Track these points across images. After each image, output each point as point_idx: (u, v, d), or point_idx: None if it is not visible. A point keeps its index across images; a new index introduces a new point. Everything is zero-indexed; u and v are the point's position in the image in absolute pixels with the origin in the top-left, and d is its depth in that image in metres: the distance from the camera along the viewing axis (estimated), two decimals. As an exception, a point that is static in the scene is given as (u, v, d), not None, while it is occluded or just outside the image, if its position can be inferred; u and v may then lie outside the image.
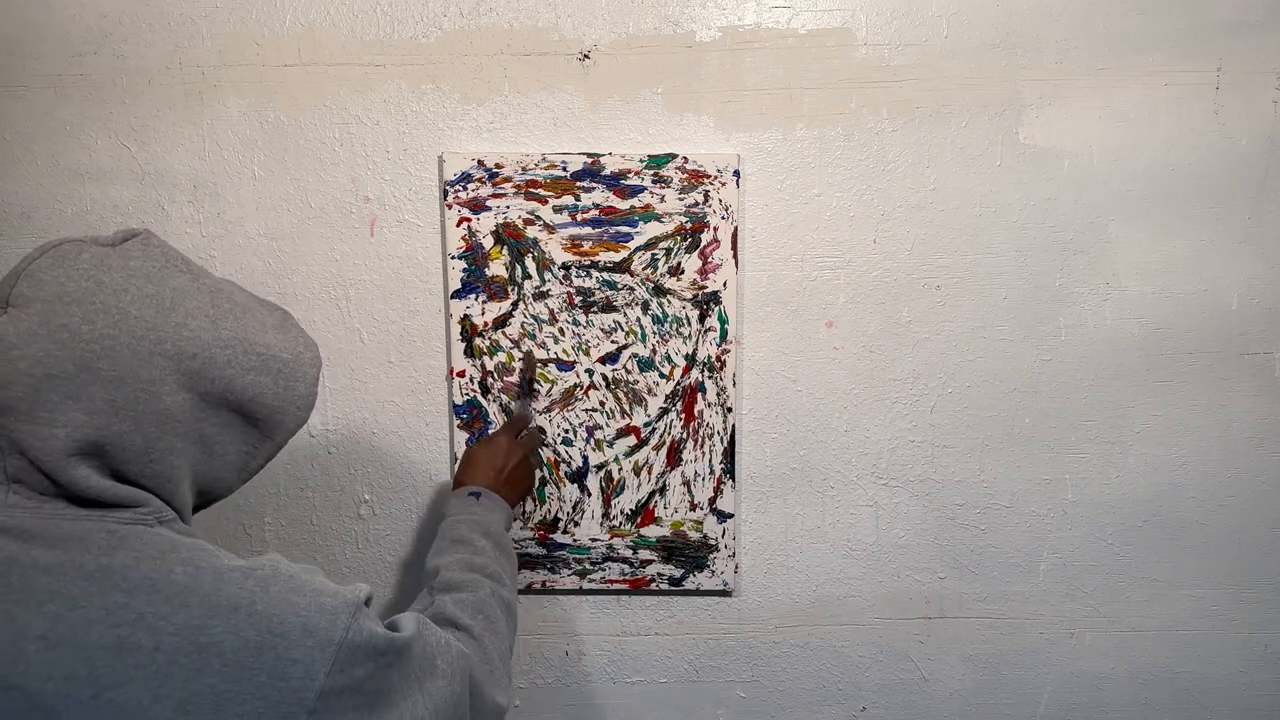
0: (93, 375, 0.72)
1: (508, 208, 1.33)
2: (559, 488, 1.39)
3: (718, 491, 1.38)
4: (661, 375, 1.36)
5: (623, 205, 1.33)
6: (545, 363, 1.36)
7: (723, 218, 1.33)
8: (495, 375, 1.36)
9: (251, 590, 0.73)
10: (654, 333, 1.35)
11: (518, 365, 1.35)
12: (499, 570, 1.10)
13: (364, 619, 0.76)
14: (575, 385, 1.36)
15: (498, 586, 1.08)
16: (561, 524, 1.39)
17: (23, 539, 0.72)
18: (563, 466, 1.38)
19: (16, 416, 0.72)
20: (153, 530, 0.76)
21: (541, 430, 1.36)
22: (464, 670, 0.90)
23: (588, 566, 1.40)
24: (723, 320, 1.35)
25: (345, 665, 0.74)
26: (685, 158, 1.31)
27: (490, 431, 1.36)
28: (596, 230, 1.33)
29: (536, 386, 1.35)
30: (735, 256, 1.33)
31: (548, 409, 1.37)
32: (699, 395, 1.37)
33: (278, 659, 0.71)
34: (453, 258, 1.34)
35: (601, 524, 1.39)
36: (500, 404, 1.37)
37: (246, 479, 0.87)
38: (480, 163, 1.32)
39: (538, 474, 1.37)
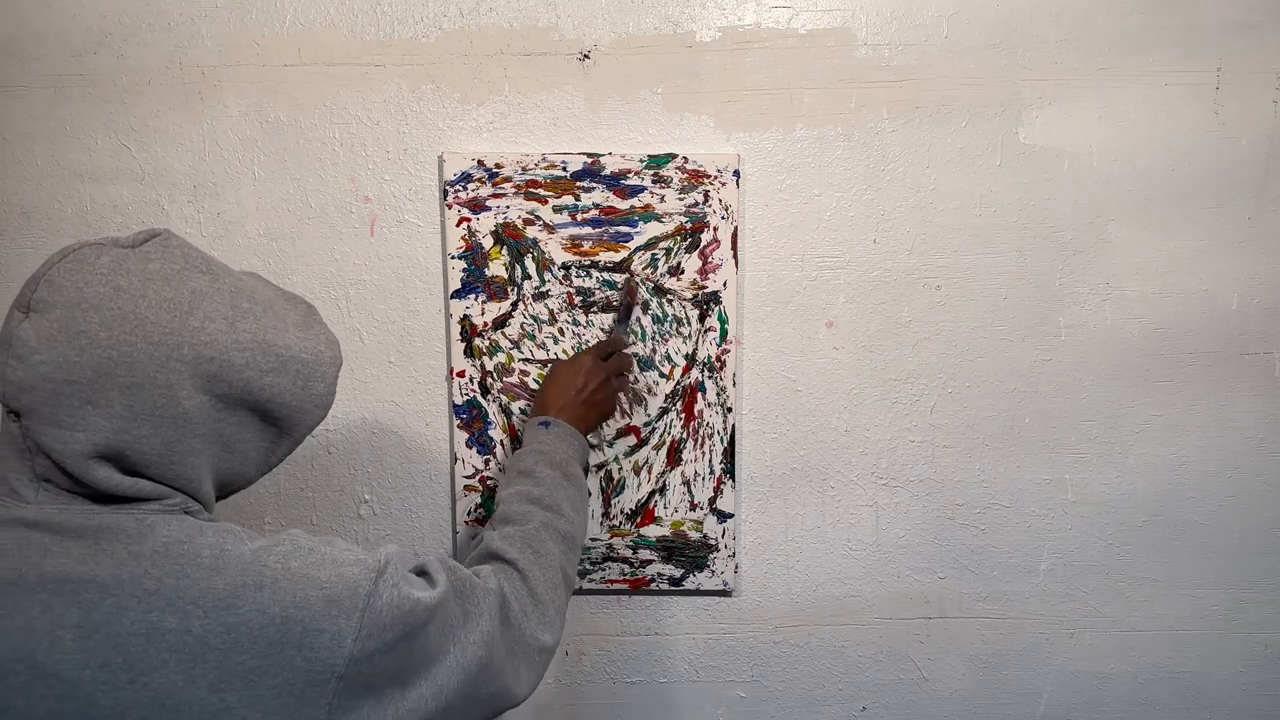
0: (111, 381, 0.73)
1: (508, 208, 1.33)
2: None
3: (718, 491, 1.38)
4: (661, 375, 1.36)
5: (623, 205, 1.33)
6: (546, 363, 1.36)
7: (723, 218, 1.33)
8: (495, 375, 1.36)
9: (274, 568, 0.75)
10: (654, 333, 1.35)
11: (620, 290, 1.33)
12: (557, 501, 1.09)
13: (386, 585, 0.78)
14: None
15: (552, 517, 1.07)
16: (561, 524, 1.39)
17: (55, 532, 0.74)
18: (563, 466, 1.38)
19: (39, 419, 0.73)
20: (180, 518, 0.77)
21: (635, 355, 1.34)
22: (493, 608, 0.91)
23: (588, 566, 1.40)
24: (723, 320, 1.35)
25: (372, 630, 0.76)
26: (685, 158, 1.31)
27: (566, 358, 1.33)
28: (596, 230, 1.33)
29: (636, 313, 1.33)
30: (735, 256, 1.34)
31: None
32: (699, 395, 1.37)
33: (304, 631, 0.73)
34: (453, 258, 1.34)
35: (601, 524, 1.39)
36: (500, 404, 1.37)
37: (266, 472, 0.88)
38: (480, 163, 1.32)
39: (623, 398, 1.34)
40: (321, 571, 0.76)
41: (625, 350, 1.33)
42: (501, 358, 1.36)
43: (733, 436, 1.37)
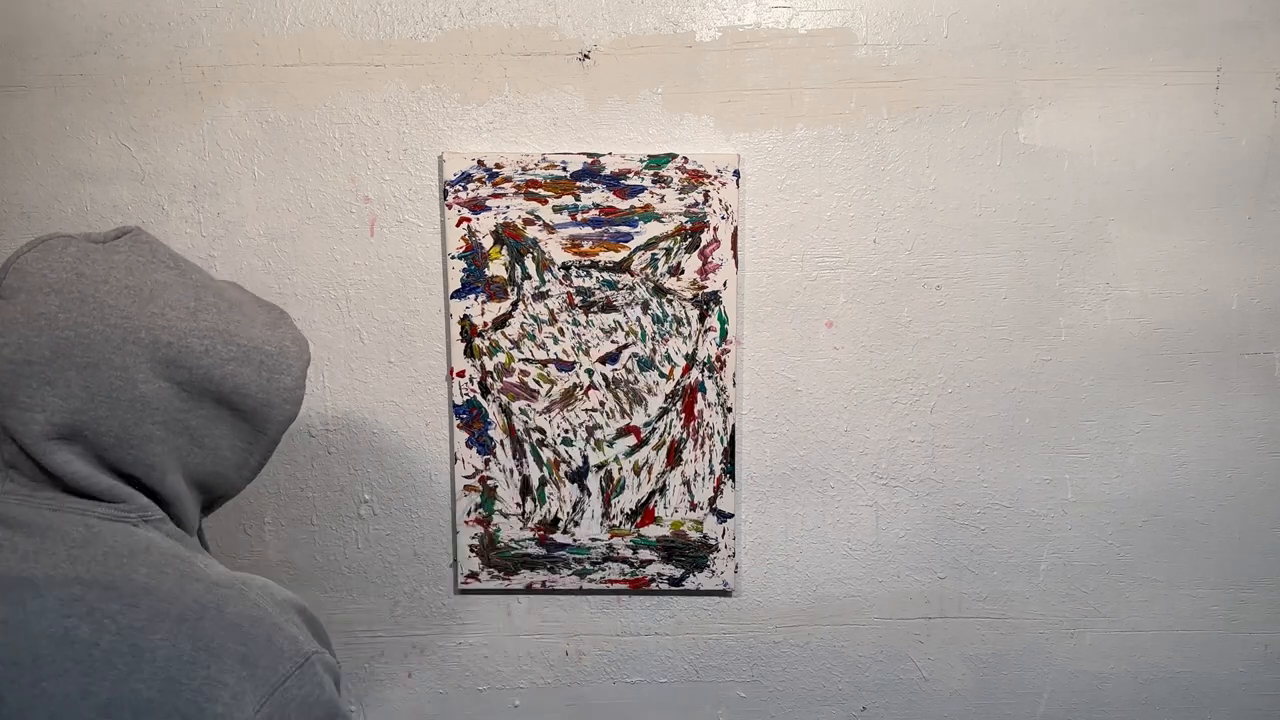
0: (68, 361, 0.74)
1: (508, 208, 1.33)
2: (559, 488, 1.39)
3: (718, 491, 1.38)
4: (661, 375, 1.36)
5: (623, 205, 1.33)
6: (546, 363, 1.36)
7: (723, 218, 1.33)
8: (495, 375, 1.36)
9: (205, 605, 0.73)
10: (654, 333, 1.35)
11: None
12: None
13: (309, 677, 0.75)
14: (575, 385, 1.36)
15: None
16: (561, 524, 1.39)
17: (10, 526, 0.74)
18: (563, 466, 1.38)
19: (2, 402, 0.74)
20: (131, 529, 0.77)
21: None
22: None
23: (588, 566, 1.40)
24: (723, 320, 1.35)
25: (276, 712, 0.72)
26: (685, 158, 1.31)
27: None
28: (596, 230, 1.33)
29: None
30: (735, 256, 1.33)
31: (548, 409, 1.37)
32: (699, 395, 1.37)
33: (207, 679, 0.70)
34: (453, 258, 1.34)
35: (601, 524, 1.39)
36: (500, 404, 1.37)
37: (250, 476, 0.87)
38: (480, 163, 1.32)
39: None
40: (253, 629, 0.73)
41: None
42: (501, 358, 1.36)
43: (733, 436, 1.37)
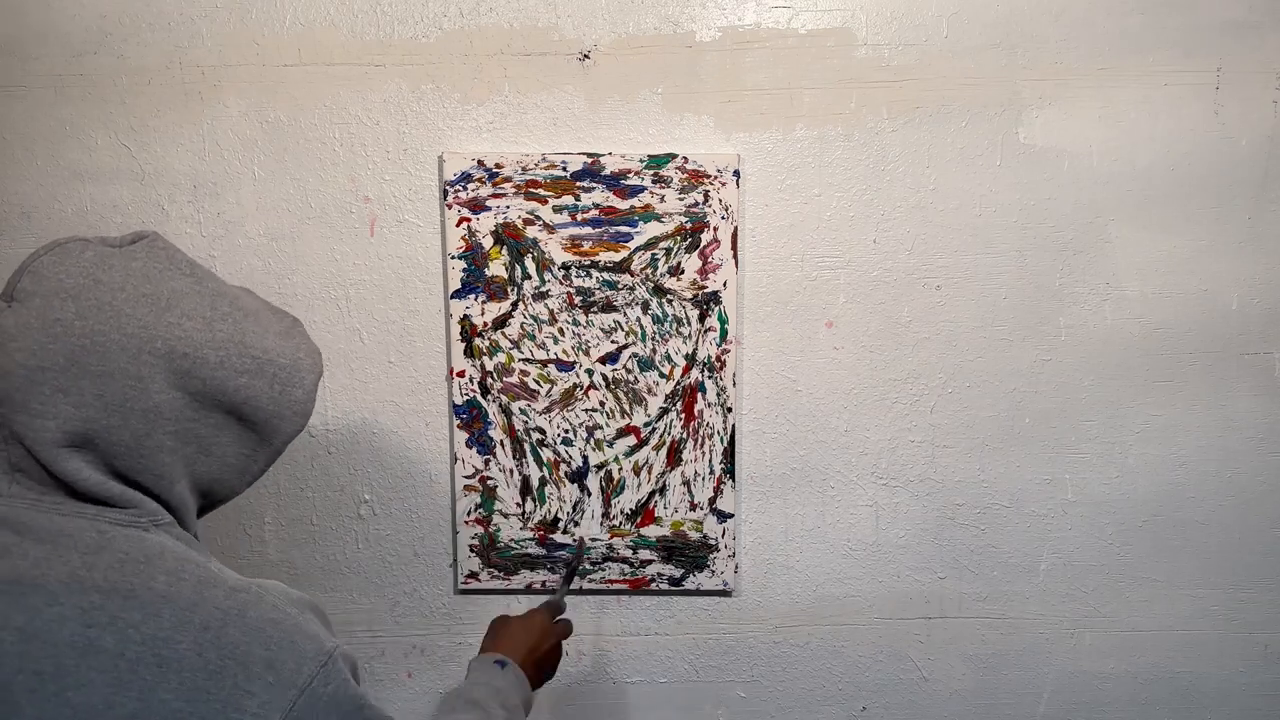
0: (82, 369, 0.73)
1: (508, 208, 1.33)
2: (559, 488, 1.39)
3: (718, 491, 1.38)
4: (661, 375, 1.36)
5: (623, 205, 1.33)
6: (546, 363, 1.36)
7: (723, 218, 1.33)
8: (495, 375, 1.36)
9: (227, 611, 0.73)
10: (654, 333, 1.35)
11: (572, 550, 1.38)
12: None
13: (334, 673, 0.75)
14: (575, 385, 1.36)
15: None
16: (561, 524, 1.39)
17: (18, 531, 0.73)
18: (563, 466, 1.38)
19: (13, 407, 0.73)
20: (144, 534, 0.76)
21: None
22: None
23: (588, 566, 1.40)
24: (723, 320, 1.35)
25: (305, 713, 0.72)
26: (685, 158, 1.31)
27: (524, 611, 1.24)
28: (596, 230, 1.33)
29: (580, 572, 1.36)
30: (735, 256, 1.34)
31: (548, 409, 1.37)
32: (699, 395, 1.37)
33: (235, 687, 0.71)
34: (453, 258, 1.34)
35: (601, 524, 1.39)
36: (500, 404, 1.37)
37: (250, 482, 0.87)
38: (480, 163, 1.32)
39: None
40: (275, 631, 0.73)
41: (565, 615, 1.26)
42: (501, 358, 1.36)
43: (733, 436, 1.37)
